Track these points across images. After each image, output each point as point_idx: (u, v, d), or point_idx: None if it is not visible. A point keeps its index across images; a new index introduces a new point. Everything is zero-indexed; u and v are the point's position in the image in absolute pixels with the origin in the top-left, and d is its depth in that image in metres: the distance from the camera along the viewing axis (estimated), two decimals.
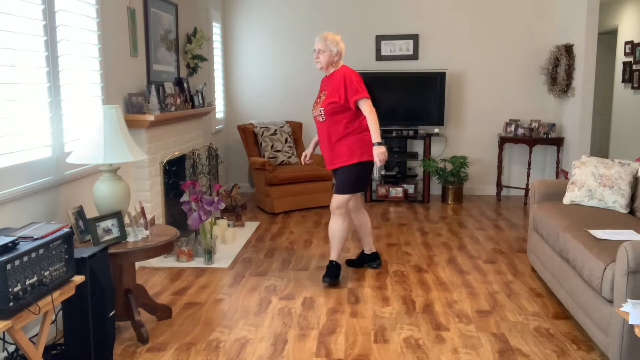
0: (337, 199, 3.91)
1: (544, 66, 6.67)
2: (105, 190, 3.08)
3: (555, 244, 3.43)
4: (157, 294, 3.75)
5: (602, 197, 3.73)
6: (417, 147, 6.98)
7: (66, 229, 2.41)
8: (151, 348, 3.00)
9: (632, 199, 3.71)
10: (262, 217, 5.90)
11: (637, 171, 3.72)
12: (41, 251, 2.22)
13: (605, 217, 3.49)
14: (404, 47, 6.85)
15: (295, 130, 6.76)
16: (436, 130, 6.66)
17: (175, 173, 4.80)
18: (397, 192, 6.62)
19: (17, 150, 2.79)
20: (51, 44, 3.06)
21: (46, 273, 2.25)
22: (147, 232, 3.15)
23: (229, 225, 5.28)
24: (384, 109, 6.74)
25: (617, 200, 3.67)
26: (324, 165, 6.33)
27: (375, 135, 3.77)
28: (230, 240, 4.90)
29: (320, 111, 3.89)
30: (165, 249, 3.06)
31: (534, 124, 6.48)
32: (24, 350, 2.22)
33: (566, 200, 3.90)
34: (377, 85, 6.67)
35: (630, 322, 2.21)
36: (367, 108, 3.80)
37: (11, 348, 2.69)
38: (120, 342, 3.05)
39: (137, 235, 3.09)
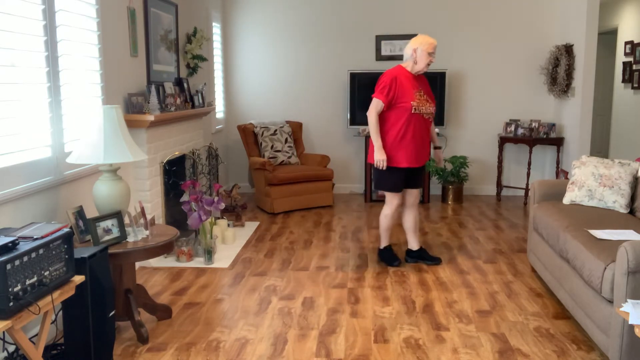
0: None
1: (544, 66, 6.67)
2: (105, 190, 3.08)
3: (555, 244, 3.43)
4: (157, 294, 3.75)
5: (602, 197, 3.73)
6: None
7: (66, 229, 2.41)
8: (151, 348, 3.00)
9: (632, 199, 3.71)
10: (262, 217, 5.90)
11: (637, 171, 3.72)
12: (41, 251, 2.22)
13: (605, 217, 3.49)
14: (404, 47, 6.82)
15: (295, 130, 6.77)
16: (436, 130, 6.65)
17: (175, 173, 4.80)
18: None
19: (17, 150, 2.79)
20: (51, 44, 3.06)
21: (46, 273, 2.25)
22: (147, 232, 3.15)
23: (229, 225, 5.28)
24: None
25: (617, 200, 3.67)
26: (324, 165, 6.39)
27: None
28: (230, 240, 4.90)
29: (432, 109, 4.13)
30: (165, 249, 3.06)
31: (534, 124, 6.48)
32: (24, 350, 2.22)
33: (566, 200, 3.90)
34: None
35: (630, 322, 2.21)
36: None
37: (11, 348, 2.69)
38: (120, 342, 3.05)
39: (137, 235, 3.09)
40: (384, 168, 4.03)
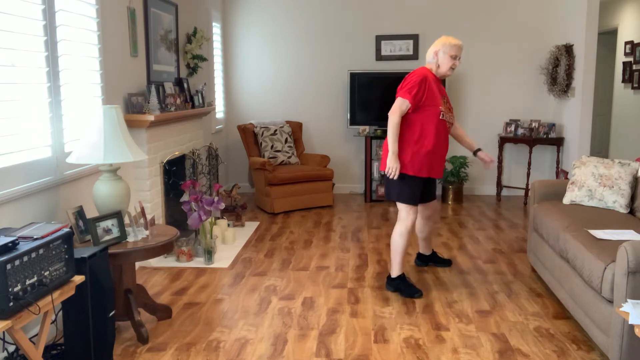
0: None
1: (544, 66, 6.67)
2: (105, 190, 3.08)
3: (555, 244, 3.43)
4: (157, 294, 3.75)
5: (602, 197, 3.73)
6: None
7: (66, 229, 2.41)
8: (151, 348, 3.00)
9: (632, 199, 3.71)
10: (262, 217, 5.90)
11: (637, 171, 3.72)
12: (41, 251, 2.22)
13: (605, 217, 3.49)
14: (404, 47, 6.85)
15: (295, 130, 6.77)
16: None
17: (175, 173, 4.81)
18: None
19: (17, 150, 2.79)
20: (51, 44, 3.06)
21: (46, 273, 2.25)
22: (147, 232, 3.15)
23: (229, 225, 5.28)
24: (384, 109, 6.73)
25: (617, 200, 3.67)
26: (324, 165, 6.38)
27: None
28: (230, 240, 4.90)
29: (452, 119, 3.82)
30: (165, 249, 3.06)
31: (534, 124, 6.49)
32: (24, 350, 2.22)
33: (566, 200, 3.90)
34: (377, 85, 6.67)
35: (630, 322, 2.21)
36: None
37: (11, 348, 2.69)
38: (120, 342, 3.05)
39: (137, 235, 3.09)
40: (395, 177, 3.57)
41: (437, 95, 3.65)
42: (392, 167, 3.57)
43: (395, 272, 3.77)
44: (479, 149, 4.05)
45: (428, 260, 4.26)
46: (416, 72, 3.66)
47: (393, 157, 3.57)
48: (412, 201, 3.68)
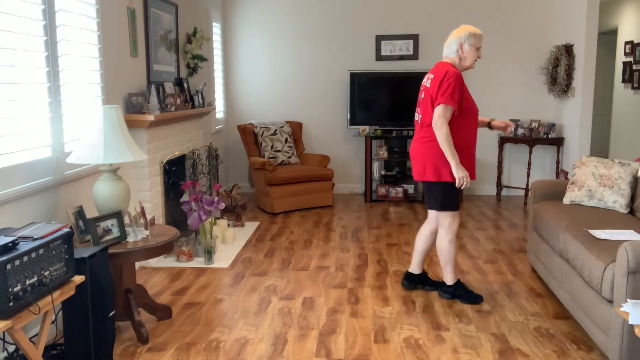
0: None
1: (544, 66, 6.67)
2: (105, 190, 3.08)
3: (555, 244, 3.43)
4: (157, 294, 3.75)
5: (602, 197, 3.73)
6: None
7: (66, 229, 2.41)
8: (151, 348, 3.00)
9: (632, 199, 3.71)
10: (262, 217, 5.90)
11: (637, 171, 3.72)
12: (41, 251, 2.22)
13: (605, 217, 3.49)
14: (404, 47, 6.85)
15: (295, 130, 6.77)
16: None
17: (175, 173, 4.80)
18: (397, 192, 6.62)
19: (17, 150, 2.79)
20: (51, 44, 3.06)
21: (46, 273, 2.25)
22: (147, 232, 3.15)
23: (229, 225, 5.28)
24: (384, 109, 6.75)
25: (617, 200, 3.67)
26: (324, 165, 6.38)
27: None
28: (230, 240, 4.90)
29: None
30: (165, 249, 3.06)
31: (534, 124, 6.49)
32: (24, 350, 2.22)
33: (566, 200, 3.90)
34: (377, 85, 6.67)
35: (630, 322, 2.21)
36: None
37: (11, 348, 2.69)
38: (120, 342, 3.05)
39: (137, 235, 3.09)
40: (467, 186, 3.40)
41: (469, 93, 3.50)
42: (461, 177, 3.36)
43: (450, 280, 3.64)
44: (491, 120, 3.81)
45: (417, 282, 3.83)
46: (448, 73, 3.39)
47: (458, 167, 3.36)
48: (456, 207, 3.56)
